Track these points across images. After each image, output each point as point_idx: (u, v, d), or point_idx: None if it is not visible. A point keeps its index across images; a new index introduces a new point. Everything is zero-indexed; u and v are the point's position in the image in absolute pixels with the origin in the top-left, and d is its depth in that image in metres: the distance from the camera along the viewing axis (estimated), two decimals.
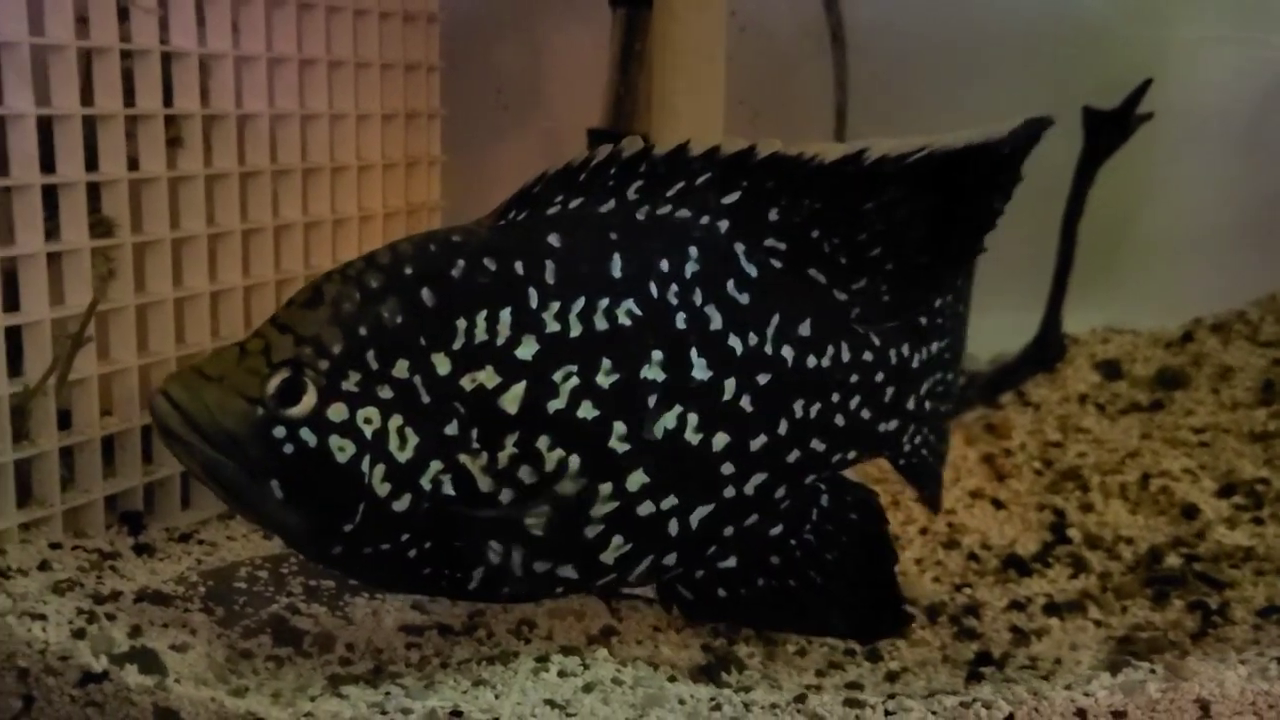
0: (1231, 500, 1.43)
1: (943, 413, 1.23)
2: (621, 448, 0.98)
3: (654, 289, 0.99)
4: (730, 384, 1.01)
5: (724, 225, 1.02)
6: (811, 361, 1.05)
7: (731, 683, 1.12)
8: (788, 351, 1.04)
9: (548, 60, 1.87)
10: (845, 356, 1.07)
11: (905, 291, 1.08)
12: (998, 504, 1.50)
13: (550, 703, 0.99)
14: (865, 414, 1.09)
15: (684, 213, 1.01)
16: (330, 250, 1.54)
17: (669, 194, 1.01)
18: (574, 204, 1.00)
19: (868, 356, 1.08)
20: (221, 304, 1.41)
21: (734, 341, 1.01)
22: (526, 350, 0.95)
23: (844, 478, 1.13)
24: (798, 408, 1.05)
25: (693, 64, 1.43)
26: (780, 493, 1.06)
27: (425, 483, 0.92)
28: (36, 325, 1.21)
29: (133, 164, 1.29)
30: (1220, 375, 1.64)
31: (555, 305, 0.96)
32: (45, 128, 1.20)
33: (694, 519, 1.03)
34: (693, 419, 1.00)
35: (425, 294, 0.93)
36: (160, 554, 1.26)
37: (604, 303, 0.97)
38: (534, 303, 0.95)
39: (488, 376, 0.94)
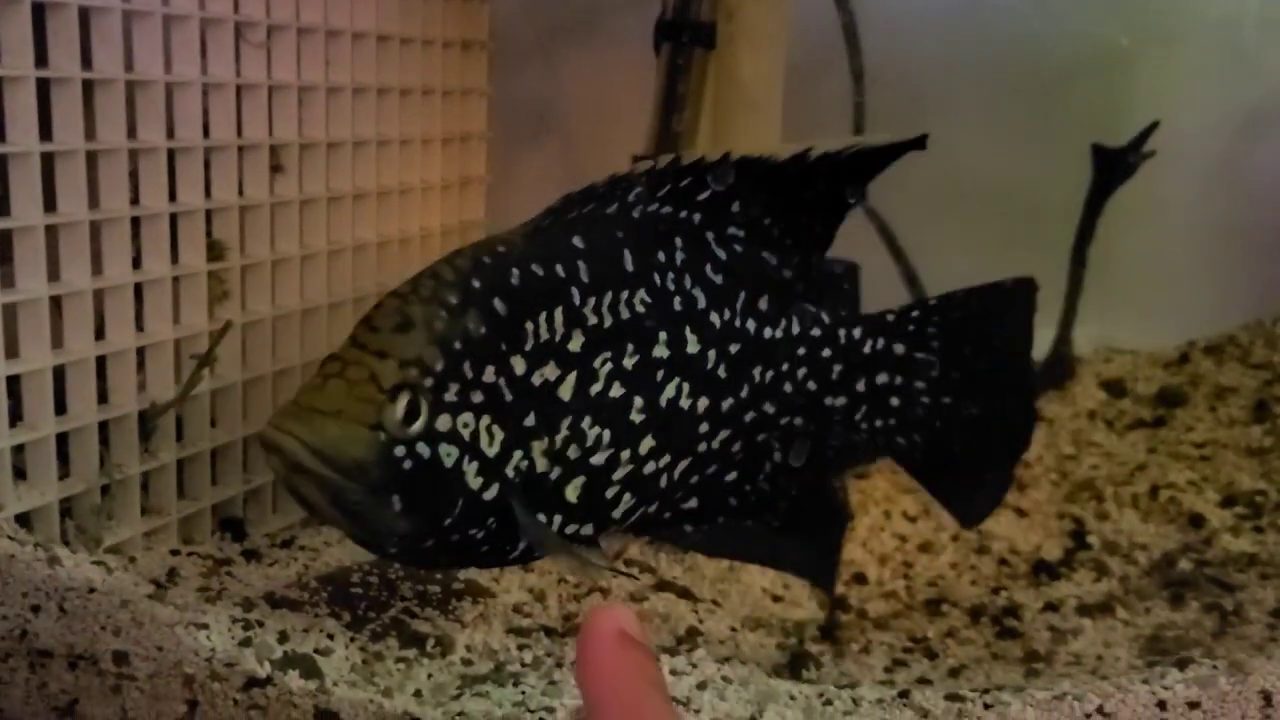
0: (1234, 510, 1.58)
1: (937, 422, 1.27)
2: (638, 419, 1.10)
3: (657, 278, 1.12)
4: (711, 354, 1.14)
5: (698, 218, 1.15)
6: (768, 332, 1.19)
7: (814, 678, 1.23)
8: (751, 324, 1.18)
9: (592, 88, 1.96)
10: (795, 330, 1.20)
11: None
12: (1020, 512, 1.63)
13: (672, 699, 1.08)
14: (811, 385, 1.22)
15: (667, 209, 1.14)
16: (399, 267, 1.62)
17: (659, 195, 1.14)
18: (587, 209, 1.12)
19: (815, 332, 1.21)
20: (307, 322, 1.48)
21: (714, 317, 1.15)
22: (576, 344, 1.06)
23: (801, 438, 1.24)
24: (756, 373, 1.19)
25: (752, 103, 1.53)
26: (737, 447, 1.19)
27: (509, 471, 1.01)
28: (160, 345, 1.27)
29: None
30: (1216, 394, 1.79)
31: (592, 301, 1.07)
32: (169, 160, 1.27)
33: (677, 472, 1.16)
34: (685, 387, 1.13)
35: (498, 304, 1.02)
36: (268, 559, 1.33)
37: (625, 294, 1.09)
38: (577, 300, 1.06)
39: (550, 370, 1.04)
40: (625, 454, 1.10)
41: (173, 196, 1.29)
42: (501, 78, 1.86)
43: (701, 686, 1.12)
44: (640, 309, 1.10)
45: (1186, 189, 1.97)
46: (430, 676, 1.15)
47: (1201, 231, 1.98)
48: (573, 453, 1.06)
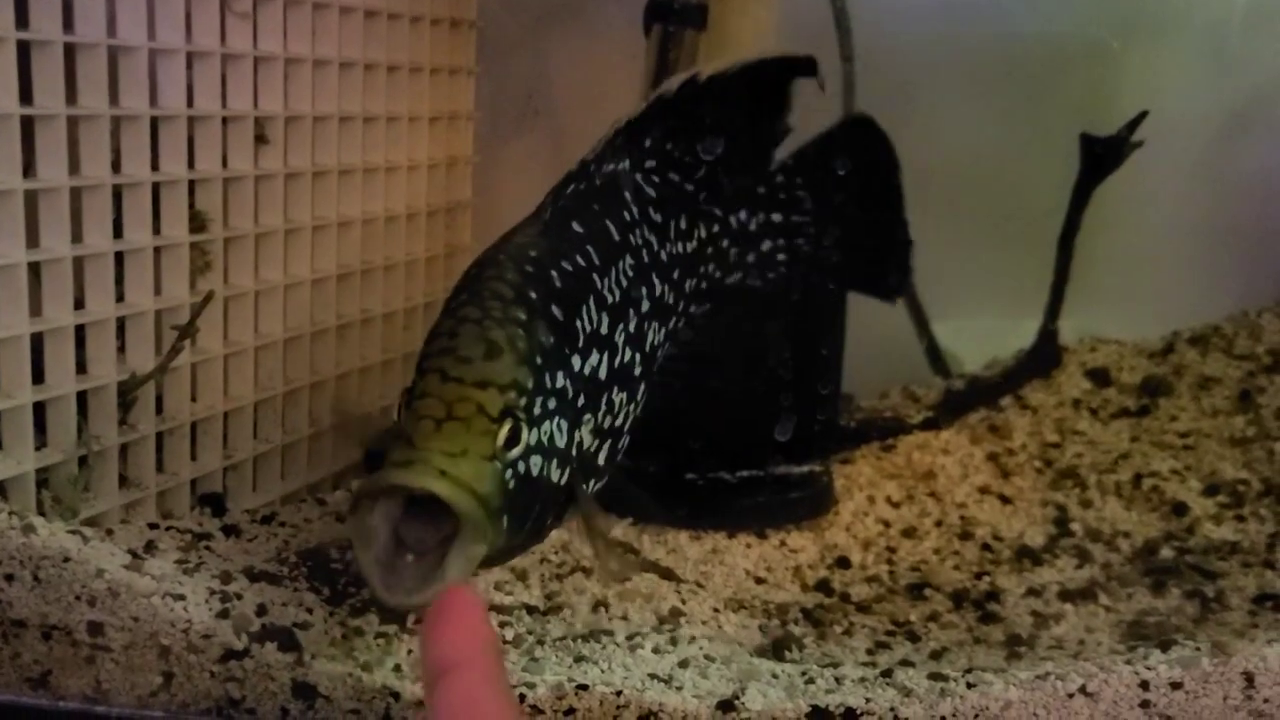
0: (1216, 499, 1.58)
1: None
2: (639, 371, 1.16)
3: (631, 239, 1.19)
4: (666, 289, 1.23)
5: (625, 164, 1.22)
6: (690, 247, 1.29)
7: (797, 659, 1.23)
8: (681, 246, 1.27)
9: (580, 70, 1.95)
10: (703, 234, 1.31)
11: (737, 169, 1.35)
12: (1004, 499, 1.63)
13: (654, 676, 1.08)
14: (718, 274, 1.36)
15: (609, 166, 1.21)
16: (384, 245, 1.61)
17: (607, 155, 1.22)
18: (570, 190, 1.17)
19: (716, 228, 1.33)
20: (290, 296, 1.46)
21: (662, 255, 1.24)
22: (604, 326, 1.10)
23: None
24: (688, 286, 1.28)
25: None
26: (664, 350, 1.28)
27: (574, 454, 1.02)
28: (140, 316, 1.26)
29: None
30: (1200, 384, 1.79)
31: (606, 280, 1.12)
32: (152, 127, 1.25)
33: (642, 404, 1.20)
34: (656, 325, 1.21)
35: (555, 310, 1.04)
36: (247, 535, 1.32)
37: (620, 264, 1.16)
38: (599, 285, 1.11)
39: (594, 357, 1.08)
40: (631, 407, 1.15)
41: (155, 167, 1.27)
42: (489, 58, 1.85)
43: (684, 665, 1.12)
44: (630, 273, 1.16)
45: (1173, 180, 1.97)
46: (410, 652, 1.14)
47: (1187, 223, 1.98)
48: (607, 423, 1.10)
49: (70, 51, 1.17)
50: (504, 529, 0.94)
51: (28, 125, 1.14)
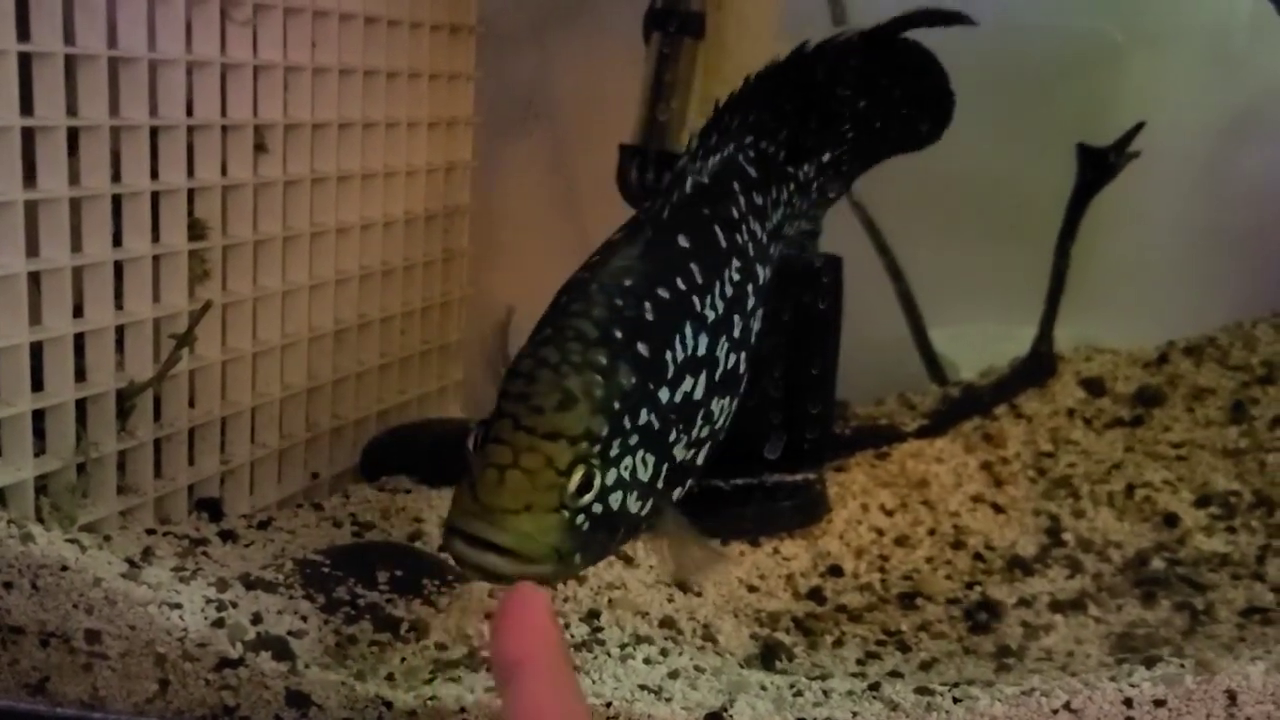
0: (1208, 510, 1.59)
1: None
2: (742, 370, 1.15)
3: (738, 238, 1.15)
4: (765, 271, 1.20)
5: (730, 148, 1.19)
6: (779, 215, 1.26)
7: (787, 669, 1.24)
8: (775, 218, 1.25)
9: (580, 75, 1.96)
10: (785, 195, 1.28)
11: (823, 132, 1.32)
12: (997, 508, 1.64)
13: (644, 688, 1.09)
14: (789, 230, 1.32)
15: (714, 158, 1.18)
16: (383, 251, 1.62)
17: (710, 145, 1.18)
18: (674, 198, 1.13)
19: (791, 186, 1.29)
20: (289, 303, 1.47)
21: (764, 238, 1.20)
22: (702, 347, 1.08)
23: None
24: (774, 252, 1.26)
25: None
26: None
27: (660, 484, 1.02)
28: (139, 324, 1.27)
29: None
30: (1194, 395, 1.80)
31: (708, 298, 1.09)
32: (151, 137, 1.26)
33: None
34: (758, 313, 1.18)
35: (641, 348, 1.02)
36: (244, 540, 1.33)
37: (726, 274, 1.13)
38: (698, 306, 1.08)
39: (688, 384, 1.07)
40: (730, 403, 1.14)
41: (155, 175, 1.28)
42: (490, 63, 1.85)
43: (674, 676, 1.12)
44: (737, 277, 1.13)
45: (1170, 190, 1.97)
46: (404, 660, 1.15)
47: (1184, 232, 1.99)
48: (704, 433, 1.10)
49: (71, 62, 1.18)
50: (576, 564, 0.97)
51: (29, 136, 1.15)
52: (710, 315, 1.09)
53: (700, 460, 1.11)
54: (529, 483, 0.94)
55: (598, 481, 0.95)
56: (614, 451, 0.97)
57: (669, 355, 1.04)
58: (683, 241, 1.09)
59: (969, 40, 2.04)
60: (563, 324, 1.01)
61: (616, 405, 0.98)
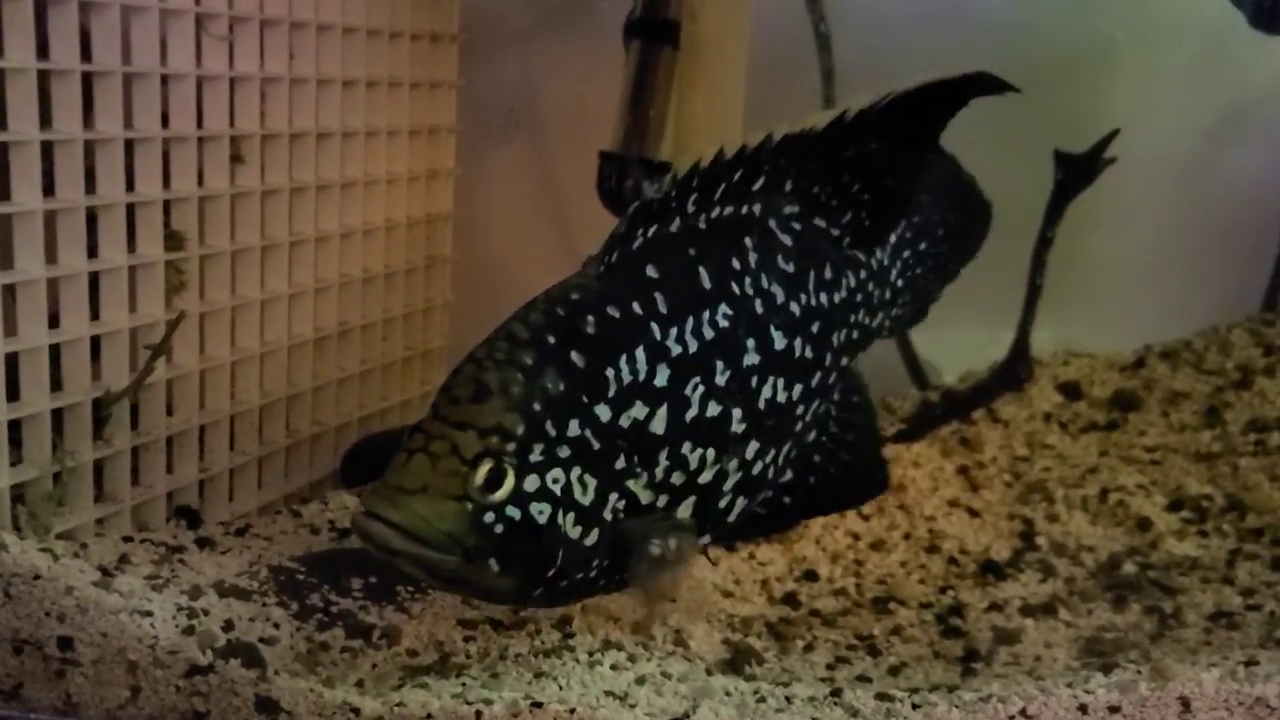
0: (1180, 514, 1.60)
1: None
2: (740, 428, 1.13)
3: (735, 287, 1.14)
4: (798, 342, 1.18)
5: (758, 208, 1.17)
6: (838, 297, 1.24)
7: (755, 674, 1.25)
8: (824, 297, 1.22)
9: (562, 83, 1.97)
10: (853, 282, 1.27)
11: (883, 212, 1.29)
12: (973, 513, 1.65)
13: (610, 694, 1.10)
14: (868, 321, 1.30)
15: (729, 209, 1.16)
16: (364, 259, 1.63)
17: (715, 198, 1.16)
18: (651, 232, 1.13)
19: (863, 274, 1.28)
20: (268, 311, 1.49)
21: (793, 306, 1.18)
22: (662, 378, 1.08)
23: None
24: (835, 339, 1.24)
25: (714, 104, 1.55)
26: (820, 407, 1.25)
27: (606, 515, 1.03)
28: (116, 334, 1.29)
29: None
30: (1169, 399, 1.81)
31: (674, 331, 1.09)
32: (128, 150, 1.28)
33: (781, 458, 1.19)
34: (780, 382, 1.17)
35: (575, 356, 1.04)
36: (221, 547, 1.35)
37: (706, 314, 1.11)
38: (658, 335, 1.08)
39: (638, 410, 1.06)
40: (733, 464, 1.13)
41: (131, 187, 1.29)
42: (472, 71, 1.87)
43: (640, 681, 1.14)
44: (723, 323, 1.12)
45: (1147, 194, 1.98)
46: (374, 666, 1.17)
47: (1161, 237, 2.00)
48: (677, 479, 1.09)
49: (45, 77, 1.19)
50: (495, 573, 0.98)
51: (3, 151, 1.17)
52: (675, 349, 1.08)
53: (684, 512, 1.10)
54: (430, 466, 0.97)
55: (510, 481, 0.97)
56: (534, 456, 0.99)
57: (610, 372, 1.04)
58: (650, 271, 1.10)
59: (956, 38, 2.06)
60: (502, 326, 1.04)
61: (536, 406, 1.00)
